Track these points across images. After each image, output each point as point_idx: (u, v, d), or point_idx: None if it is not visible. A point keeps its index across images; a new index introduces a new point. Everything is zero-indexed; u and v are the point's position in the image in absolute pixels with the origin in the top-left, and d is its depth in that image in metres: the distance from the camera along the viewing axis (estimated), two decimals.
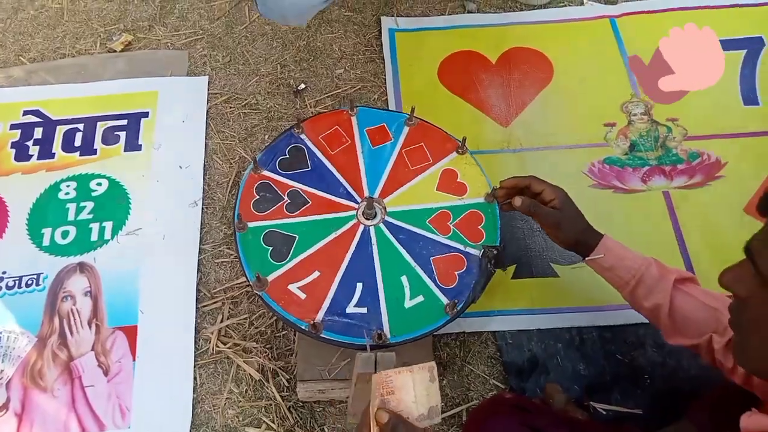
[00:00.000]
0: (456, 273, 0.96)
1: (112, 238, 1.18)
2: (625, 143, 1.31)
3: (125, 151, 1.28)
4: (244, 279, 1.13)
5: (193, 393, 1.05)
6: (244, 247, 0.96)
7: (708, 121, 1.33)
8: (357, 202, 1.02)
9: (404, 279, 0.95)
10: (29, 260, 1.15)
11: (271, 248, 0.97)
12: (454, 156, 1.07)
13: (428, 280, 0.95)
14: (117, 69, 1.39)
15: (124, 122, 1.32)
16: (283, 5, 1.03)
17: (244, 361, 1.08)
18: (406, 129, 1.10)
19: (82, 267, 1.15)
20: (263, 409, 1.04)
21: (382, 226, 1.00)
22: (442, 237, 0.99)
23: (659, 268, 0.87)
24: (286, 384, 1.06)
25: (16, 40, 1.45)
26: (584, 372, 1.07)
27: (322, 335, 0.89)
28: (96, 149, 1.28)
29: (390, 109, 1.32)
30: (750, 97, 1.36)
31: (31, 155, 1.27)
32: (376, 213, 1.00)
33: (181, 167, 1.27)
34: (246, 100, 1.37)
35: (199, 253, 1.18)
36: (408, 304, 0.93)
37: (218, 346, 1.09)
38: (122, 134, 1.30)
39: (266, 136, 1.32)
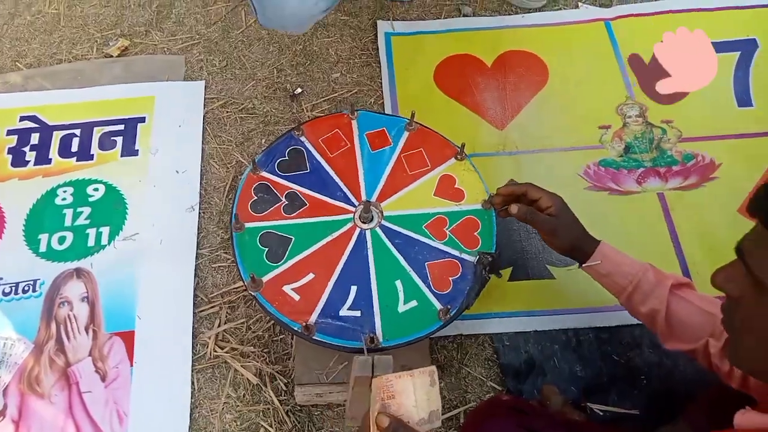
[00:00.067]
0: (450, 279, 0.96)
1: (109, 243, 1.18)
2: (620, 145, 1.31)
3: (122, 156, 1.28)
4: (241, 283, 1.13)
5: (191, 398, 1.05)
6: (241, 248, 0.97)
7: (702, 122, 1.34)
8: (354, 206, 1.02)
9: (398, 283, 0.95)
10: (26, 266, 1.15)
11: (267, 249, 0.97)
12: (452, 162, 1.07)
13: (422, 285, 0.95)
14: (114, 74, 1.40)
15: (121, 127, 1.32)
16: (283, 15, 1.04)
17: (241, 366, 1.08)
18: (405, 134, 1.10)
19: (78, 273, 1.15)
20: (261, 414, 1.05)
21: (378, 230, 1.00)
22: (437, 242, 0.99)
23: (656, 273, 0.88)
24: (284, 388, 1.06)
25: (12, 46, 1.45)
26: (581, 373, 1.07)
27: (314, 337, 0.89)
28: (93, 154, 1.28)
29: (386, 112, 1.33)
30: (743, 99, 1.37)
31: (28, 161, 1.27)
32: (372, 217, 1.01)
33: (177, 172, 1.27)
34: (243, 104, 1.37)
35: (196, 257, 1.18)
36: (401, 308, 0.93)
37: (216, 351, 1.09)
38: (119, 139, 1.30)
39: (263, 141, 1.32)
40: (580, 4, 1.53)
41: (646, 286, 0.87)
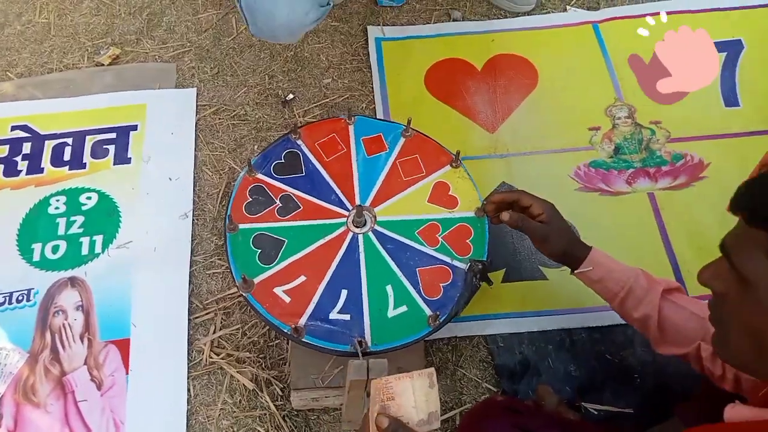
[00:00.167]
0: (441, 285, 0.97)
1: (103, 251, 1.18)
2: (610, 146, 1.33)
3: (114, 164, 1.28)
4: (236, 290, 1.13)
5: (187, 405, 1.05)
6: (234, 248, 0.97)
7: (690, 123, 1.36)
8: (348, 210, 1.03)
9: (389, 288, 0.96)
10: (20, 276, 1.15)
11: (259, 251, 0.97)
12: (447, 169, 1.08)
13: (413, 291, 0.96)
14: (105, 83, 1.40)
15: (113, 136, 1.32)
16: (274, 26, 1.04)
17: (237, 372, 1.08)
18: (402, 140, 1.11)
19: (73, 281, 1.15)
20: (258, 419, 1.05)
21: (370, 234, 1.01)
22: (429, 249, 1.00)
23: (647, 279, 0.88)
24: (280, 393, 1.07)
25: (2, 56, 1.45)
26: (575, 373, 1.08)
27: (303, 339, 0.90)
28: (85, 163, 1.28)
29: (378, 117, 1.34)
30: (730, 99, 1.39)
31: (20, 170, 1.27)
32: (365, 221, 1.01)
33: (170, 179, 1.27)
34: (235, 111, 1.38)
35: (191, 264, 1.18)
36: (391, 313, 0.94)
37: (211, 357, 1.09)
38: (111, 148, 1.30)
39: (255, 147, 1.32)
40: (567, 7, 1.55)
41: (638, 291, 0.87)
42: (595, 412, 1.03)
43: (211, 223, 1.24)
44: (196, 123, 1.35)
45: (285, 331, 0.90)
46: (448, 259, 0.99)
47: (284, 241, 0.99)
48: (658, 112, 1.37)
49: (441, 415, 1.04)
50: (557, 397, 0.99)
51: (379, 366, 0.74)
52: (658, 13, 1.51)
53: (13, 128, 1.32)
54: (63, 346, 1.08)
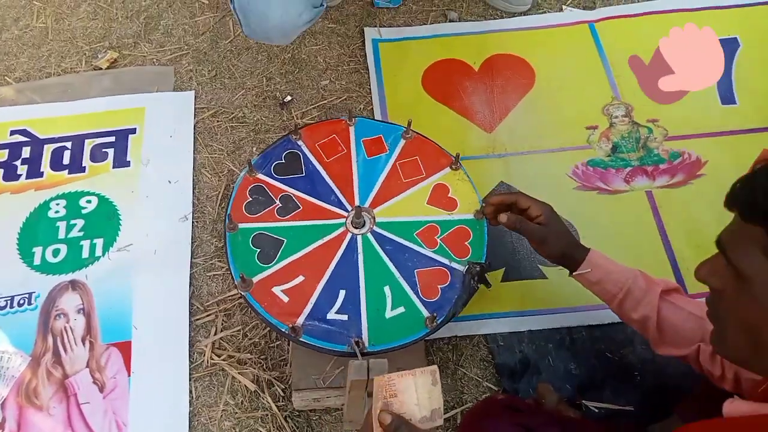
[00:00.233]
0: (439, 287, 0.97)
1: (104, 254, 1.18)
2: (608, 145, 1.33)
3: (114, 167, 1.29)
4: (236, 291, 1.14)
5: (189, 406, 1.06)
6: (233, 248, 0.98)
7: (687, 121, 1.36)
8: (347, 211, 1.03)
9: (387, 289, 0.96)
10: (21, 280, 1.15)
11: (258, 250, 0.98)
12: (447, 171, 1.09)
13: (411, 292, 0.96)
14: (103, 86, 1.40)
15: (112, 139, 1.32)
16: (267, 27, 1.05)
17: (238, 373, 1.08)
18: (402, 142, 1.12)
19: (74, 285, 1.15)
20: (259, 420, 1.05)
21: (369, 235, 1.01)
22: (428, 250, 1.01)
23: (646, 280, 0.88)
24: (282, 394, 1.07)
25: (1, 60, 1.45)
26: (575, 371, 1.08)
27: (301, 339, 0.90)
28: (84, 167, 1.29)
29: (376, 118, 1.34)
30: (727, 97, 1.39)
31: (20, 175, 1.27)
32: (364, 222, 1.02)
33: (170, 182, 1.27)
34: (233, 113, 1.38)
35: (191, 266, 1.18)
36: (389, 314, 0.94)
37: (212, 359, 1.10)
38: (110, 151, 1.31)
39: (254, 149, 1.33)
40: (564, 7, 1.55)
41: (636, 292, 0.88)
42: (596, 410, 1.03)
43: (211, 226, 1.24)
44: (194, 126, 1.35)
45: (282, 330, 0.91)
46: (446, 261, 0.99)
47: (283, 240, 0.99)
48: (656, 111, 1.38)
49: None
50: (557, 396, 1.00)
51: (380, 366, 0.74)
52: (657, 12, 1.51)
53: (13, 132, 1.33)
54: (65, 349, 1.09)
